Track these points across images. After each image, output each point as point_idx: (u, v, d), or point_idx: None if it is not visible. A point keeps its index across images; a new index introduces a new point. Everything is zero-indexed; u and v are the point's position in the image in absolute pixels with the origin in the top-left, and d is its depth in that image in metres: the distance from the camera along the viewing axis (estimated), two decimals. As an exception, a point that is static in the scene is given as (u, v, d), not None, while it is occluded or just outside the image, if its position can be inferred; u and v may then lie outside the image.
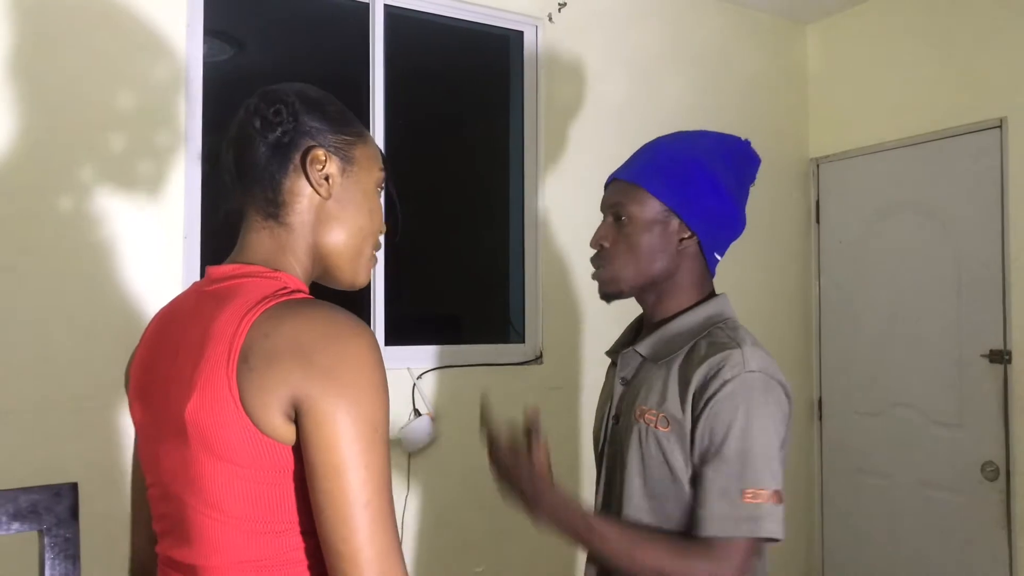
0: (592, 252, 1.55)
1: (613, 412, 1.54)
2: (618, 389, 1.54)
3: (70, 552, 1.30)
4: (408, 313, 3.03)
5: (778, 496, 1.28)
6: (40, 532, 1.30)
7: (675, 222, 1.43)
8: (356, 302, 2.81)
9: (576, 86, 3.23)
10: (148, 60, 2.44)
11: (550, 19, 3.15)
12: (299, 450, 0.95)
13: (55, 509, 1.30)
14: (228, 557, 0.98)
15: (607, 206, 1.51)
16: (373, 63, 2.85)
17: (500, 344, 3.08)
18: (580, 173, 3.21)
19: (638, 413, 1.42)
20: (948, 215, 3.22)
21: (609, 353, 1.65)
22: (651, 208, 1.43)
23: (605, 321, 3.24)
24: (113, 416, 2.31)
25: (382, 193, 1.22)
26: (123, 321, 2.36)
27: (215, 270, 1.08)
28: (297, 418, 0.93)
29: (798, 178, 3.80)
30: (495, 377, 2.97)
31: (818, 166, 3.78)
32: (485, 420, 1.45)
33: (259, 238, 1.09)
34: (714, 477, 1.30)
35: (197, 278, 2.50)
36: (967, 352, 3.12)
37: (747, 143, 1.55)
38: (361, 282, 1.17)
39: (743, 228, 1.51)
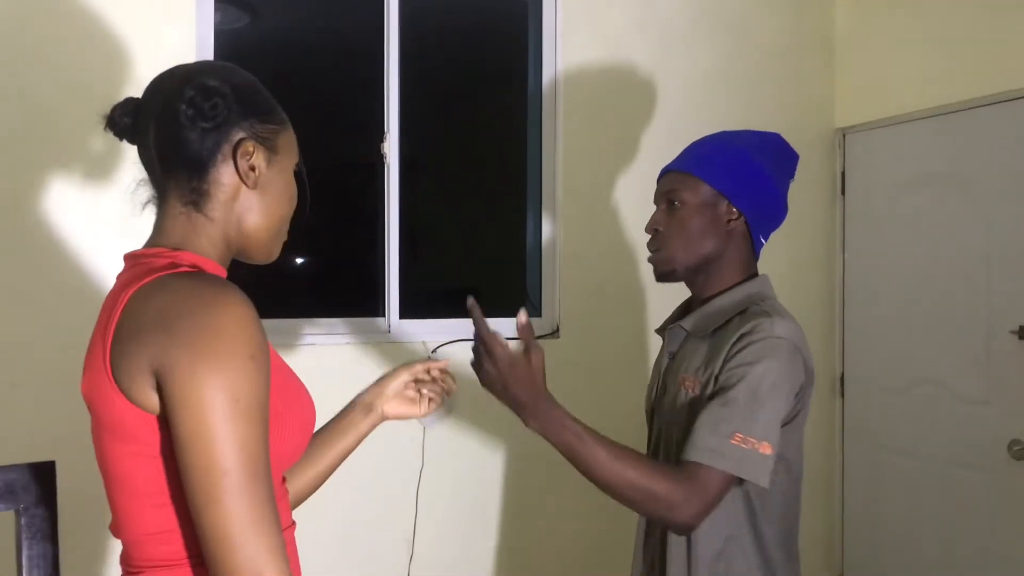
0: (647, 239, 1.70)
1: (660, 383, 1.68)
2: (664, 362, 1.68)
3: (47, 532, 1.27)
4: (423, 287, 3.00)
5: (768, 447, 1.35)
6: (16, 512, 1.26)
7: (724, 204, 1.57)
8: (371, 275, 2.78)
9: (596, 54, 3.15)
10: (159, 27, 2.40)
11: (569, -16, 3.08)
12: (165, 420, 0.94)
13: (32, 488, 1.26)
14: (138, 530, 1.01)
15: (661, 194, 1.65)
16: (388, 32, 2.78)
17: (513, 317, 3.04)
18: (600, 143, 3.14)
19: (680, 381, 1.56)
20: (979, 187, 3.13)
21: (659, 331, 1.78)
22: (702, 193, 1.57)
23: (624, 297, 3.20)
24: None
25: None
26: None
27: (130, 253, 1.10)
28: (159, 388, 0.93)
29: (823, 148, 3.70)
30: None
31: (844, 136, 3.69)
32: (477, 324, 1.51)
33: (175, 224, 1.10)
34: (713, 411, 1.39)
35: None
36: (995, 328, 3.04)
37: (783, 140, 1.69)
38: (274, 258, 1.23)
39: (785, 216, 1.65)
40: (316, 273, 2.93)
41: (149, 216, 1.18)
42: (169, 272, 1.00)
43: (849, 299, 3.65)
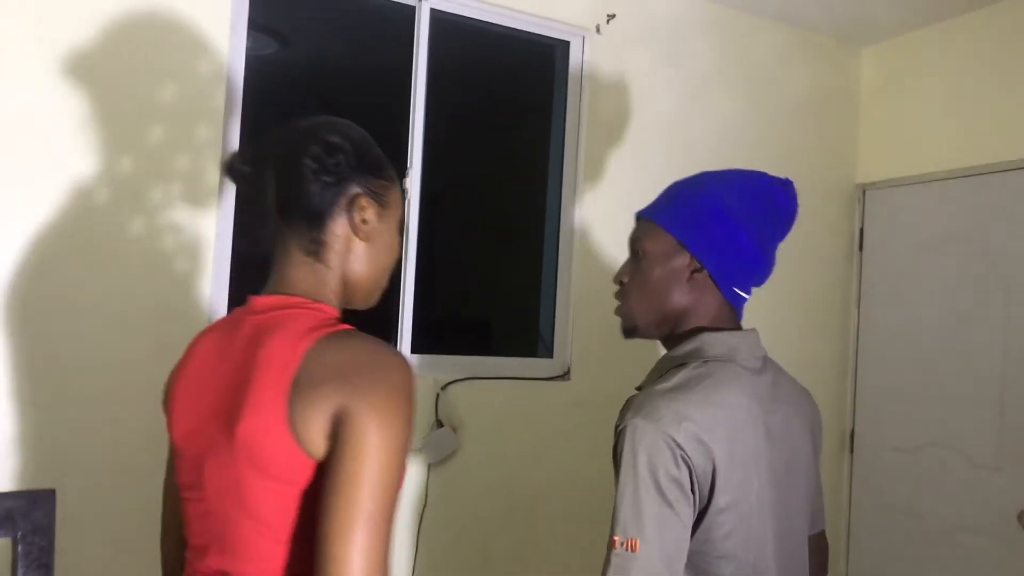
0: None
1: None
2: None
3: (44, 561, 1.25)
4: (438, 321, 2.99)
5: (632, 544, 1.18)
6: (14, 540, 1.25)
7: (686, 256, 1.40)
8: (385, 309, 2.77)
9: (621, 100, 3.16)
10: (190, 53, 2.42)
11: (598, 31, 3.10)
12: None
13: (31, 515, 1.25)
14: (267, 565, 1.05)
15: (629, 243, 1.51)
16: (416, 65, 2.81)
17: (528, 358, 3.03)
18: (620, 189, 3.14)
19: None
20: (998, 251, 3.12)
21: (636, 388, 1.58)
22: (662, 242, 1.41)
23: (636, 343, 3.18)
24: (99, 417, 2.29)
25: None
26: (149, 318, 2.35)
27: (259, 300, 1.17)
28: (334, 432, 1.00)
29: (843, 203, 3.70)
30: (520, 391, 2.92)
31: (864, 192, 3.68)
32: None
33: (299, 272, 1.17)
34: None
35: (226, 277, 2.49)
36: (1010, 393, 3.01)
37: (777, 184, 1.48)
38: (373, 304, 1.28)
39: (766, 266, 1.44)
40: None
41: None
42: (336, 330, 1.10)
43: (863, 355, 3.63)
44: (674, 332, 1.41)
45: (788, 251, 3.59)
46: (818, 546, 1.49)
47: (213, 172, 2.45)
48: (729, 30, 3.40)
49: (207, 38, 2.45)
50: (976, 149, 3.23)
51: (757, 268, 1.42)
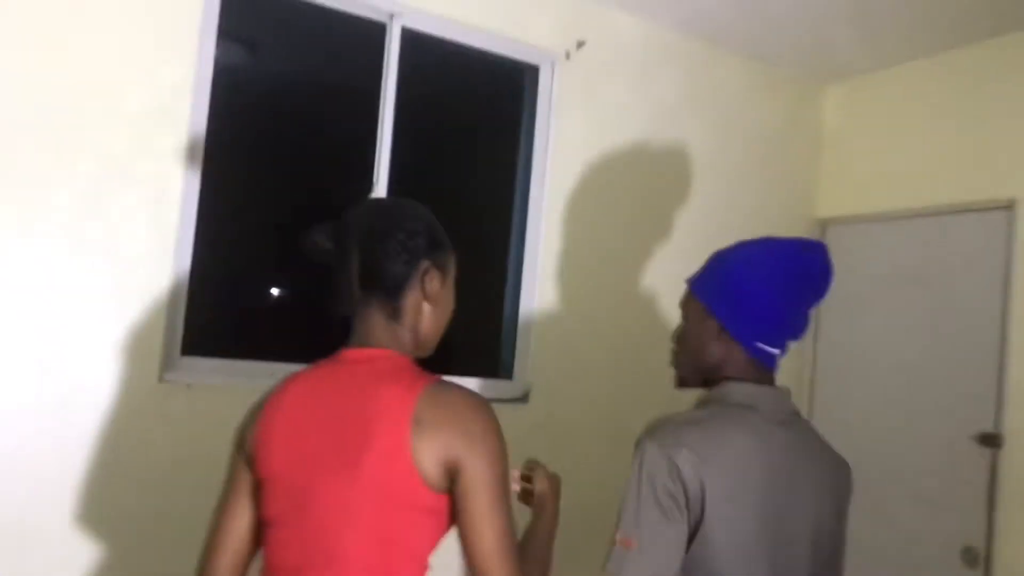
0: None
1: None
2: None
3: None
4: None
5: (630, 543, 1.38)
6: None
7: (713, 318, 1.56)
8: (346, 327, 2.76)
9: (588, 126, 3.19)
10: (158, 59, 2.40)
11: (567, 56, 3.13)
12: (444, 496, 1.26)
13: None
14: (369, 574, 1.25)
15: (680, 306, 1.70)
16: (385, 82, 2.81)
17: (487, 379, 3.03)
18: (586, 214, 3.17)
19: None
20: (951, 292, 3.19)
21: None
22: (695, 307, 1.61)
23: (597, 366, 3.20)
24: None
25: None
26: (107, 325, 2.31)
27: (351, 352, 1.39)
28: (452, 471, 1.24)
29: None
30: (478, 412, 2.91)
31: (825, 228, 3.75)
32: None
33: (381, 331, 1.39)
34: None
35: (185, 289, 2.46)
36: (957, 432, 3.07)
37: (803, 246, 1.58)
38: (433, 349, 1.50)
39: (793, 323, 1.54)
40: (292, 315, 2.90)
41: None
42: (433, 380, 1.32)
43: (817, 388, 3.68)
44: (709, 381, 1.57)
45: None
46: None
47: (176, 180, 2.42)
48: (696, 62, 3.46)
49: (175, 45, 2.43)
50: (934, 189, 3.30)
51: (781, 325, 1.53)
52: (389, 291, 1.38)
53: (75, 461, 2.28)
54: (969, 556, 2.95)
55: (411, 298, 1.39)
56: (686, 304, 1.64)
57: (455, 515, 1.27)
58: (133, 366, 2.35)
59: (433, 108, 3.09)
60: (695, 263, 3.45)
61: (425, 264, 1.40)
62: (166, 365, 2.42)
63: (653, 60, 3.34)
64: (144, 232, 2.37)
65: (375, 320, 1.39)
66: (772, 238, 1.61)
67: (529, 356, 3.05)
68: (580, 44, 3.15)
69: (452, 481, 1.26)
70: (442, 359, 3.08)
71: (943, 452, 3.10)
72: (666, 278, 3.35)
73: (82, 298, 2.29)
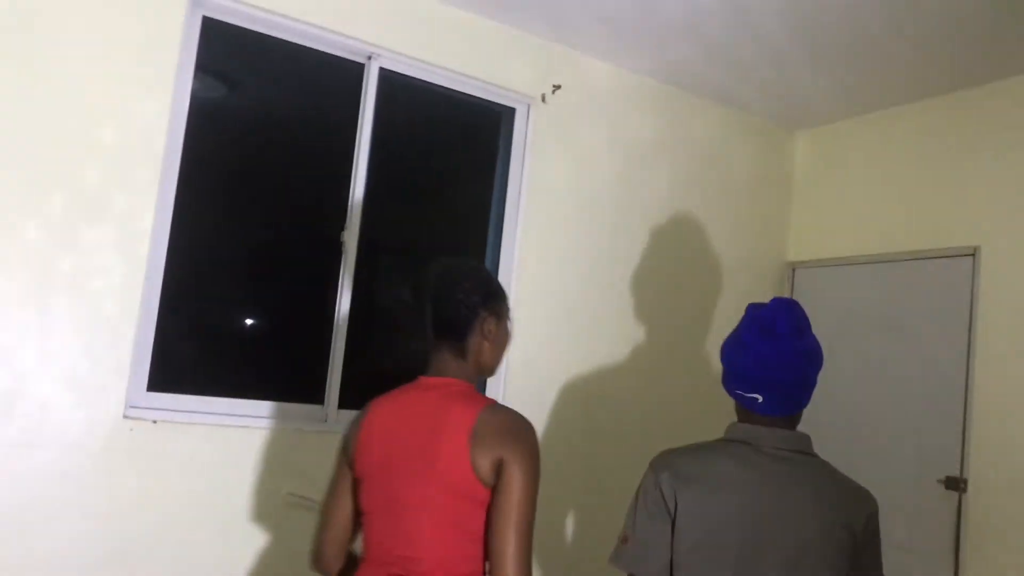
0: None
1: None
2: None
3: None
4: (370, 376, 2.96)
5: (623, 538, 1.75)
6: None
7: None
8: (315, 362, 2.75)
9: (563, 168, 3.23)
10: (135, 93, 2.41)
11: (543, 100, 3.17)
12: (490, 491, 1.60)
13: None
14: (442, 553, 1.62)
15: None
16: (362, 122, 2.84)
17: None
18: (559, 254, 3.20)
19: None
20: (917, 336, 3.24)
21: None
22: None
23: (570, 407, 3.20)
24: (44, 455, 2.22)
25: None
26: (74, 359, 2.29)
27: (429, 380, 1.75)
28: (497, 472, 1.58)
29: (774, 280, 3.81)
30: (448, 451, 2.90)
31: (794, 271, 3.80)
32: None
33: (450, 365, 1.75)
34: None
35: (154, 322, 2.44)
36: (924, 476, 3.10)
37: (759, 307, 1.84)
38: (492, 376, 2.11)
39: (759, 374, 1.74)
40: (260, 352, 2.88)
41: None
42: (489, 402, 1.67)
43: (786, 430, 3.69)
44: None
45: (719, 326, 3.66)
46: None
47: (149, 214, 2.42)
48: (670, 107, 3.52)
49: (153, 80, 2.45)
50: (901, 235, 3.37)
51: (745, 376, 1.76)
52: (455, 336, 1.75)
53: (38, 498, 2.25)
54: (935, 601, 2.96)
55: (473, 340, 1.76)
56: None
57: (494, 504, 1.61)
58: (98, 401, 2.33)
59: (409, 147, 3.11)
60: (667, 304, 3.50)
61: (483, 314, 1.77)
62: (131, 400, 2.39)
63: (627, 105, 3.40)
64: (114, 266, 2.36)
65: (446, 357, 1.76)
66: (756, 304, 1.86)
67: (501, 393, 3.05)
68: (556, 88, 3.20)
69: (496, 480, 1.61)
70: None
71: (910, 495, 3.12)
72: (639, 319, 3.37)
73: (47, 332, 2.27)
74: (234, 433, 2.54)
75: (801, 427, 1.75)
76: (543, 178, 3.18)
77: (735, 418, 1.83)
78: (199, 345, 2.74)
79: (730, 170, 3.70)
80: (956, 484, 3.01)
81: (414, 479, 1.65)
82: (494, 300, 1.81)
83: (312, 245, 2.90)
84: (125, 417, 2.36)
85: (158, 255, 2.47)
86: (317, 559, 1.86)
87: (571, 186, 3.25)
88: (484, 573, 1.64)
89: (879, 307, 3.41)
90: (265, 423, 2.60)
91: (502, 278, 3.13)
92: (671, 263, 3.48)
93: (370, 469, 1.72)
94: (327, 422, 2.71)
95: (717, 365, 3.52)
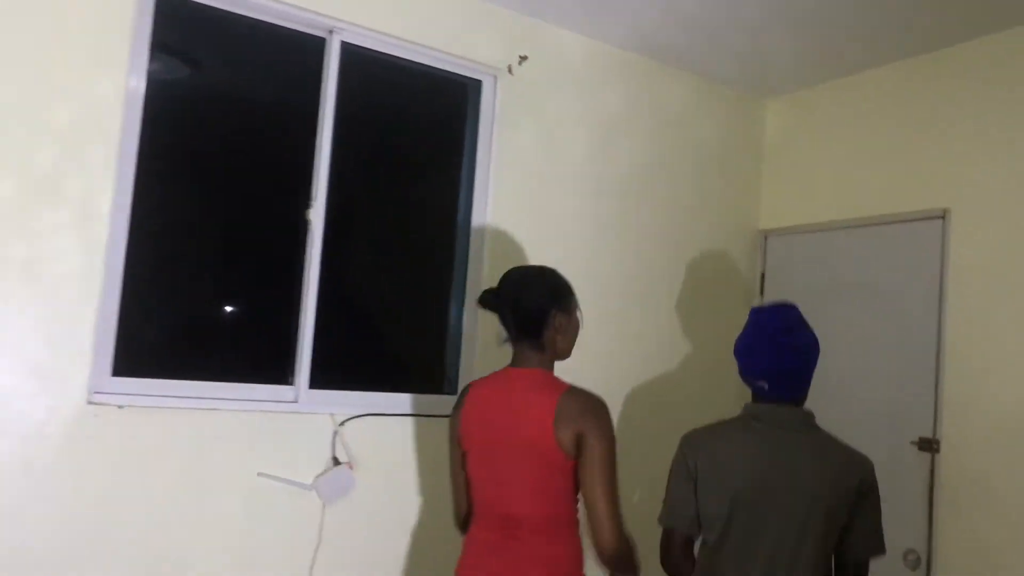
0: None
1: None
2: None
3: None
4: (342, 356, 2.93)
5: (663, 501, 2.12)
6: None
7: None
8: (284, 341, 2.72)
9: (532, 140, 3.20)
10: (88, 73, 2.35)
11: (510, 71, 3.13)
12: (573, 462, 1.99)
13: None
14: (538, 511, 2.03)
15: None
16: (324, 97, 2.79)
17: (431, 395, 3.00)
18: (529, 229, 3.17)
19: None
20: (889, 299, 3.24)
21: None
22: None
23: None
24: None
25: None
26: (26, 345, 2.25)
27: (514, 371, 2.14)
28: (578, 445, 1.97)
29: (746, 249, 3.81)
30: (423, 428, 2.89)
31: (766, 239, 3.80)
32: None
33: (531, 357, 2.13)
34: None
35: (116, 303, 2.40)
36: (897, 437, 3.12)
37: (767, 310, 2.26)
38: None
39: (760, 364, 2.11)
40: (227, 334, 2.84)
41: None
42: (567, 387, 2.05)
43: (762, 397, 3.71)
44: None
45: (692, 295, 3.66)
46: (856, 573, 2.08)
47: (107, 196, 2.37)
48: (639, 77, 3.49)
49: (106, 58, 2.39)
50: (871, 200, 3.37)
51: (753, 368, 2.12)
52: (533, 334, 2.13)
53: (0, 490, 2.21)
54: (911, 559, 2.99)
55: (548, 335, 2.13)
56: None
57: (580, 476, 1.99)
58: (60, 388, 2.29)
59: (375, 123, 3.06)
60: (640, 275, 3.49)
61: (553, 312, 2.13)
62: (95, 386, 2.35)
63: (596, 75, 3.37)
64: (71, 250, 2.31)
65: (526, 350, 2.14)
66: (762, 307, 2.27)
67: (473, 371, 3.03)
68: (523, 59, 3.16)
69: (579, 451, 1.97)
70: (388, 375, 3.07)
71: (884, 457, 3.12)
72: (613, 289, 3.36)
73: (3, 320, 2.22)
74: (203, 416, 2.50)
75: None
76: (513, 151, 3.15)
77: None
78: (165, 328, 2.69)
79: (702, 139, 3.68)
80: (929, 445, 3.03)
81: (509, 453, 2.05)
82: (561, 298, 2.16)
83: (278, 224, 2.85)
84: (89, 403, 2.32)
85: (118, 238, 2.41)
86: (457, 516, 2.29)
87: (542, 158, 3.22)
88: (567, 524, 2.06)
89: (851, 272, 3.42)
90: (235, 405, 2.56)
91: (473, 253, 3.10)
92: (644, 233, 3.47)
93: (472, 446, 2.14)
94: (298, 402, 2.68)
95: (689, 333, 3.54)
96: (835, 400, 3.34)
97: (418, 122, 3.21)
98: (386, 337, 3.14)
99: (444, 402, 2.99)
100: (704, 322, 3.63)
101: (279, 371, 2.72)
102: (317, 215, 2.74)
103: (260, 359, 2.78)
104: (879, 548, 2.06)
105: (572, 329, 2.18)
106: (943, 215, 3.11)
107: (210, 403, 2.53)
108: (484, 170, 3.11)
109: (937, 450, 3.02)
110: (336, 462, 2.68)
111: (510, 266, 3.13)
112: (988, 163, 3.00)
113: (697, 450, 2.07)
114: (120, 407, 2.36)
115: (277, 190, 2.86)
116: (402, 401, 2.89)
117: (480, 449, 2.11)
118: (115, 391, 2.38)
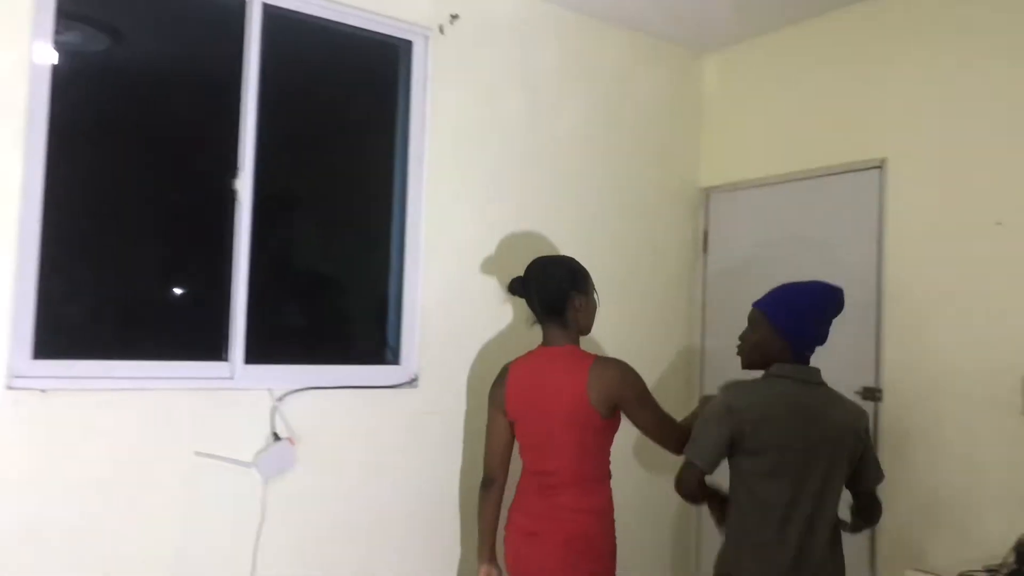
0: None
1: None
2: None
3: None
4: (278, 329, 2.86)
5: (692, 439, 2.33)
6: None
7: (774, 331, 2.40)
8: (216, 317, 2.63)
9: (467, 101, 3.13)
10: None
11: (441, 31, 3.05)
12: (609, 420, 2.37)
13: None
14: (574, 467, 2.37)
15: (748, 319, 2.51)
16: (247, 63, 2.69)
17: (373, 365, 2.94)
18: (467, 191, 3.11)
19: None
20: (830, 251, 3.25)
21: None
22: (766, 324, 2.40)
23: (488, 345, 3.15)
24: None
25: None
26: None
27: (546, 349, 2.48)
28: (614, 403, 2.34)
29: (688, 207, 3.79)
30: (365, 400, 2.83)
31: (708, 196, 3.79)
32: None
33: (558, 335, 2.46)
34: None
35: (33, 282, 2.30)
36: (842, 387, 3.11)
37: (835, 291, 2.48)
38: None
39: (823, 337, 2.41)
40: (156, 311, 2.74)
41: None
42: (594, 357, 2.40)
43: (708, 353, 3.72)
44: (766, 364, 2.40)
45: (637, 253, 3.64)
46: (867, 500, 2.45)
47: (16, 172, 2.26)
48: (574, 34, 3.43)
49: (7, 29, 2.26)
50: (810, 153, 3.36)
51: (815, 339, 2.39)
52: (557, 314, 2.46)
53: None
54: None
55: (570, 315, 2.46)
56: (758, 320, 2.42)
57: (633, 421, 2.41)
58: (-23, 373, 2.19)
59: (302, 88, 2.96)
60: (581, 235, 3.44)
61: (572, 294, 2.45)
62: (15, 370, 2.25)
63: (531, 33, 3.30)
64: (-20, 230, 2.20)
65: (554, 329, 2.47)
66: (814, 283, 2.49)
67: (416, 340, 2.98)
68: (454, 17, 3.08)
69: (615, 409, 2.36)
70: (328, 348, 3.01)
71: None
72: (553, 250, 3.32)
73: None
74: (134, 397, 2.42)
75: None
76: (447, 112, 3.07)
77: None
78: (89, 307, 2.59)
79: (639, 97, 3.64)
80: (872, 394, 3.06)
81: (550, 419, 2.38)
82: (579, 282, 2.48)
83: (205, 195, 2.75)
84: (9, 388, 2.22)
85: (31, 214, 2.30)
86: (487, 471, 2.57)
87: (477, 119, 3.15)
88: (600, 479, 2.41)
89: (792, 225, 3.42)
90: (167, 384, 2.48)
91: (410, 219, 3.03)
92: (585, 193, 3.43)
93: (517, 414, 2.47)
94: (233, 378, 2.60)
95: (634, 295, 3.52)
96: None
97: (348, 87, 3.12)
98: (324, 309, 3.06)
99: (387, 373, 2.95)
100: (648, 281, 3.61)
101: (213, 347, 2.63)
102: (244, 185, 2.64)
103: (192, 336, 2.69)
104: (881, 476, 2.43)
105: (590, 308, 2.51)
106: (880, 165, 3.11)
107: (140, 383, 2.44)
108: (419, 134, 3.04)
109: (880, 399, 3.05)
110: (276, 438, 2.62)
111: (448, 230, 3.14)
112: (924, 112, 3.01)
113: (740, 399, 2.29)
114: (43, 391, 2.27)
115: (202, 160, 2.76)
116: (343, 373, 2.83)
117: (525, 417, 2.45)
118: (36, 375, 2.28)
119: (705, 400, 2.58)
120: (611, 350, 3.44)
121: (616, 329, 3.43)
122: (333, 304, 3.10)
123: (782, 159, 3.48)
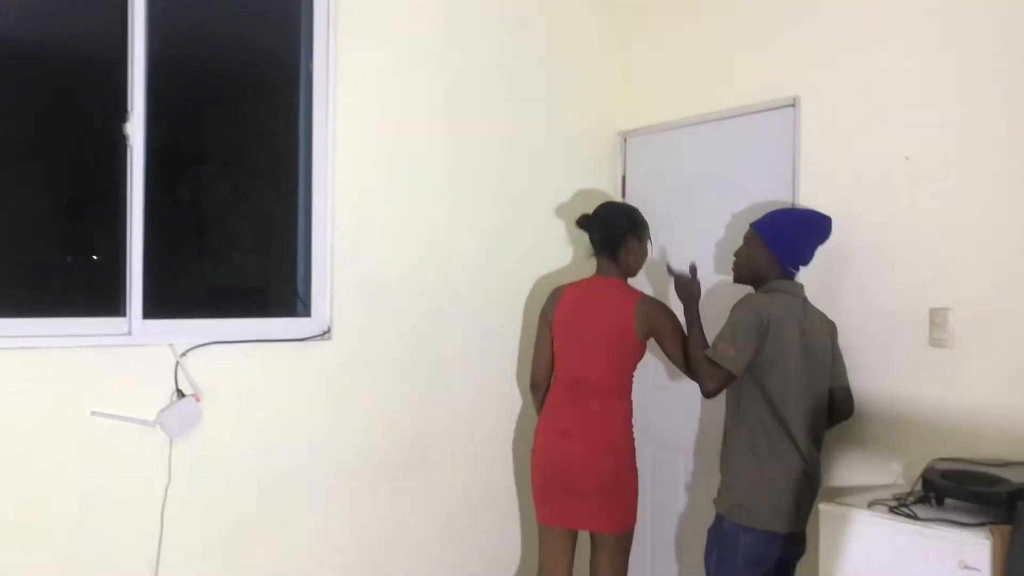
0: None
1: None
2: None
3: None
4: (180, 283, 2.74)
5: (731, 350, 2.54)
6: None
7: (767, 250, 2.73)
8: (112, 271, 2.50)
9: (373, 45, 3.01)
10: None
11: (341, -32, 2.92)
12: (643, 345, 2.85)
13: None
14: (605, 378, 2.82)
15: (744, 238, 2.83)
16: (132, 8, 2.53)
17: (282, 318, 2.85)
18: (378, 136, 3.01)
19: None
20: (747, 191, 3.25)
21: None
22: (760, 244, 2.73)
23: (403, 295, 3.08)
24: None
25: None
26: None
27: (598, 279, 2.93)
28: (652, 333, 2.82)
29: (606, 152, 3.75)
30: (274, 354, 2.74)
31: (625, 140, 3.75)
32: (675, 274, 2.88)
33: (610, 268, 2.90)
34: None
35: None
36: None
37: (825, 219, 2.75)
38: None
39: (809, 258, 2.74)
40: (48, 265, 2.58)
41: None
42: (641, 294, 2.87)
43: (630, 300, 3.71)
44: (761, 282, 2.74)
45: (554, 199, 3.59)
46: (844, 394, 2.74)
47: None
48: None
49: None
50: (721, 94, 3.35)
51: (805, 260, 2.73)
52: (612, 251, 2.88)
53: None
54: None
55: (623, 254, 2.87)
56: (752, 240, 2.74)
57: (663, 348, 2.81)
58: None
59: (198, 38, 2.81)
60: (498, 181, 3.38)
61: (628, 237, 2.87)
62: None
63: (438, -31, 3.18)
64: None
65: (607, 263, 2.89)
66: (806, 210, 2.84)
67: (327, 290, 2.89)
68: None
69: (648, 336, 2.79)
70: (233, 301, 2.90)
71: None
72: (469, 195, 3.25)
73: None
74: (22, 356, 2.30)
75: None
76: (354, 58, 2.95)
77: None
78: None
79: (553, 41, 3.56)
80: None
81: (595, 336, 2.80)
82: (636, 228, 2.90)
83: (96, 142, 2.60)
84: None
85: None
86: (534, 379, 3.01)
87: (385, 60, 3.04)
88: (624, 391, 2.84)
89: (709, 167, 3.41)
90: (59, 341, 2.37)
91: (317, 168, 2.92)
92: (500, 139, 3.36)
93: (562, 328, 2.88)
94: (131, 334, 2.49)
95: (551, 243, 3.48)
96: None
97: (253, 33, 2.97)
98: (229, 261, 2.95)
99: (296, 325, 2.85)
100: (567, 230, 3.58)
101: (109, 303, 2.51)
102: (136, 129, 2.50)
103: (87, 291, 2.56)
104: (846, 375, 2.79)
105: (641, 254, 2.92)
106: (793, 103, 3.11)
107: (30, 341, 2.32)
108: (323, 78, 2.91)
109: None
110: (180, 395, 2.52)
111: (358, 176, 3.02)
112: (834, 49, 3.00)
113: (768, 310, 2.56)
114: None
115: (89, 102, 2.59)
116: (251, 327, 2.74)
117: (570, 332, 2.86)
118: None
119: (688, 286, 2.81)
120: (532, 297, 3.41)
121: (533, 276, 3.41)
122: (240, 256, 2.98)
123: (695, 101, 3.45)
